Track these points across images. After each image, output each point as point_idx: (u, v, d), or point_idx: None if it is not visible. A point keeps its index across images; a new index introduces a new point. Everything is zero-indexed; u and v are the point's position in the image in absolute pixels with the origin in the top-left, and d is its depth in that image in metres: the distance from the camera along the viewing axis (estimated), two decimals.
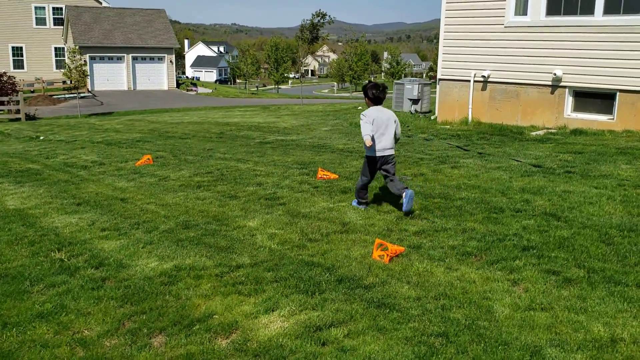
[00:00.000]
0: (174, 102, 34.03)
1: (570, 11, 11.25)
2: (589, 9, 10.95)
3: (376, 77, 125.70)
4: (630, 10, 10.49)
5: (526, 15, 11.76)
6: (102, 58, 44.71)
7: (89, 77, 38.06)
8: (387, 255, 4.56)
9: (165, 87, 46.35)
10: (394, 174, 5.88)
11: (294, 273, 4.30)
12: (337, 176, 7.64)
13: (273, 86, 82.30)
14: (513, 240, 4.89)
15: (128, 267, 4.70)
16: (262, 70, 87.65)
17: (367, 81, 6.02)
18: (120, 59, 45.22)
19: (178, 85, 48.78)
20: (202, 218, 6.01)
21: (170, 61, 46.75)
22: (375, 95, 5.87)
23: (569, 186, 6.72)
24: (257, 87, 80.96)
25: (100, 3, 48.19)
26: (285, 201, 6.49)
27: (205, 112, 23.04)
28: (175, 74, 49.78)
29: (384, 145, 5.78)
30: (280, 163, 8.88)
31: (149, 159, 9.68)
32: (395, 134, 5.91)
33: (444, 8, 12.95)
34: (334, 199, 6.48)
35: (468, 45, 12.65)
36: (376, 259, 4.58)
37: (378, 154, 5.78)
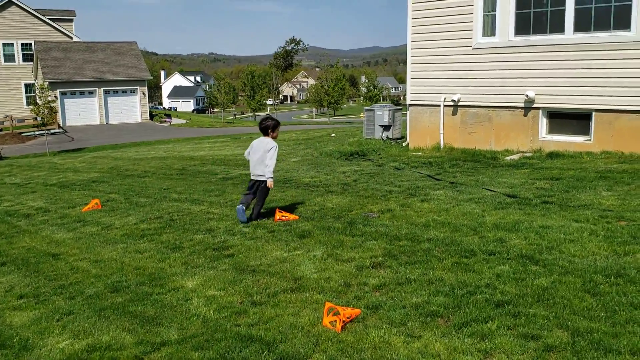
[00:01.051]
0: (146, 135, 33.25)
1: (540, 30, 10.85)
2: (559, 27, 10.55)
3: (355, 100, 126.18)
4: (601, 27, 10.10)
5: (494, 35, 11.34)
6: (73, 93, 43.90)
7: (58, 112, 37.25)
8: (340, 320, 3.89)
9: (139, 120, 45.57)
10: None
11: (225, 353, 3.60)
12: (296, 217, 6.98)
13: (250, 114, 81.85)
14: (485, 293, 4.24)
15: (33, 349, 3.95)
16: (240, 98, 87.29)
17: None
18: (91, 93, 44.44)
19: (152, 117, 48.03)
20: (135, 277, 5.29)
21: (143, 93, 46.05)
22: (260, 128, 7.06)
23: (547, 220, 6.12)
24: (234, 115, 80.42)
25: (71, 38, 47.55)
26: (234, 251, 5.81)
27: (174, 145, 22.32)
28: (148, 105, 49.05)
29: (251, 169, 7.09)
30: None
31: (97, 203, 8.95)
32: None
33: (410, 32, 12.51)
34: (289, 247, 5.81)
35: (436, 69, 12.19)
36: (327, 326, 3.90)
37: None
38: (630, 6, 9.71)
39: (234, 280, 4.95)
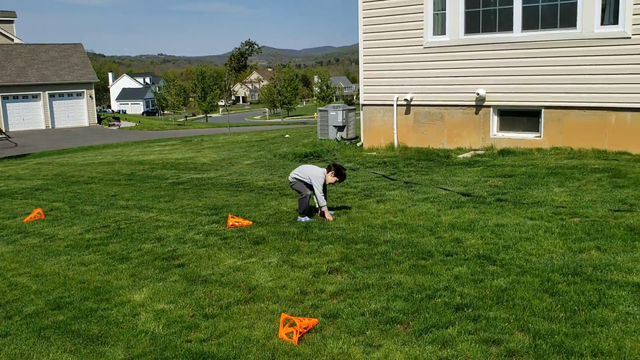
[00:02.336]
0: (94, 139, 32.24)
1: (489, 28, 10.95)
2: (507, 26, 10.67)
3: (308, 100, 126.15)
4: (548, 25, 10.27)
5: (445, 34, 11.39)
6: (15, 97, 42.18)
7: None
8: (297, 332, 3.72)
9: (86, 124, 44.19)
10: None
11: None
12: (250, 222, 6.77)
13: (202, 115, 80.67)
14: (444, 296, 4.16)
15: None
16: (191, 99, 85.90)
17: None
18: (35, 97, 42.82)
19: (100, 120, 46.66)
20: (79, 292, 4.98)
21: (90, 96, 44.70)
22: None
23: (502, 218, 6.12)
24: (185, 117, 79.04)
25: (12, 40, 45.68)
26: (185, 261, 5.56)
27: (123, 149, 21.65)
28: (96, 109, 47.65)
29: None
30: (189, 209, 7.92)
31: (39, 213, 8.50)
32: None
33: (361, 32, 12.44)
34: (243, 254, 5.60)
35: (388, 69, 12.16)
36: (283, 338, 3.73)
37: None
38: (575, 4, 9.90)
39: (185, 292, 4.72)
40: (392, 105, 12.15)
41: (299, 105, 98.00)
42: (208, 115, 77.21)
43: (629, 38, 9.44)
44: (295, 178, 6.85)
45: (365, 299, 4.24)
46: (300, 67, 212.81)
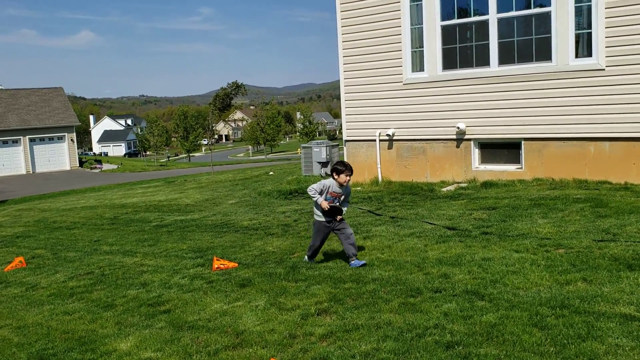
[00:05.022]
0: (75, 183, 31.98)
1: (466, 64, 11.19)
2: (484, 61, 10.91)
3: (292, 136, 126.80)
4: (524, 59, 10.51)
5: (423, 71, 11.61)
6: None
7: None
8: None
9: (67, 167, 43.90)
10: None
11: None
12: (236, 264, 6.71)
13: (185, 155, 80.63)
14: (434, 334, 4.13)
15: None
16: (173, 139, 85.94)
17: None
18: (16, 142, 42.56)
19: (81, 163, 46.39)
20: (64, 343, 4.87)
21: (72, 139, 44.53)
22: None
23: (488, 252, 6.14)
24: (167, 157, 78.91)
25: None
26: (171, 307, 5.47)
27: (105, 192, 21.48)
28: (77, 152, 47.43)
29: None
30: (174, 252, 7.85)
31: (21, 261, 8.36)
32: None
33: (342, 70, 12.65)
34: (229, 298, 5.53)
35: (370, 105, 12.33)
36: None
37: None
38: (550, 38, 10.18)
39: (172, 339, 4.63)
40: (375, 140, 12.27)
41: (282, 142, 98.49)
42: (191, 154, 77.21)
43: (603, 70, 9.69)
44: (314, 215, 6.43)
45: (355, 341, 4.19)
46: (283, 104, 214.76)
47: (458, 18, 11.16)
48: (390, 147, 12.24)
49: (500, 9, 10.61)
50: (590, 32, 9.81)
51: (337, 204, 6.27)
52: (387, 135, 12.09)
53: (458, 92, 11.18)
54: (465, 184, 10.97)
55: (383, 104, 12.16)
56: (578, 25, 10.01)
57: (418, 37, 11.67)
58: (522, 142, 10.64)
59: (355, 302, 5.02)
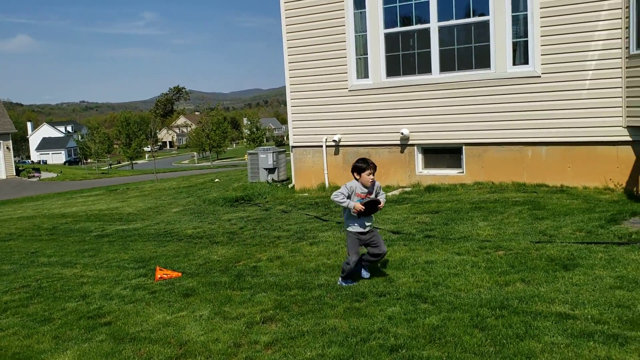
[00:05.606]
0: (12, 193, 30.69)
1: (409, 71, 11.40)
2: (426, 68, 11.15)
3: (238, 143, 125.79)
4: (464, 66, 10.80)
5: (368, 77, 11.76)
6: None
7: None
8: None
9: (3, 176, 42.09)
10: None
11: None
12: (179, 274, 6.58)
13: (128, 163, 78.73)
14: (379, 338, 4.16)
15: None
16: (115, 146, 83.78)
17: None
18: None
19: (18, 172, 44.58)
20: None
21: (7, 147, 42.75)
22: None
23: (431, 255, 6.26)
24: (109, 165, 76.86)
25: None
26: (112, 318, 5.31)
27: (44, 201, 20.70)
28: (14, 160, 45.56)
29: None
30: (115, 263, 7.63)
31: None
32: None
33: (288, 76, 12.66)
34: (172, 308, 5.41)
35: (316, 111, 12.39)
36: None
37: None
38: (488, 46, 10.50)
39: (112, 352, 4.49)
40: (322, 146, 12.32)
41: (228, 148, 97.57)
42: (134, 162, 75.43)
43: (539, 77, 10.07)
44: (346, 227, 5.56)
45: (300, 347, 4.18)
46: (229, 110, 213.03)
47: (401, 26, 11.37)
48: (336, 152, 12.32)
49: (441, 18, 10.88)
50: (527, 41, 10.18)
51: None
52: (334, 140, 12.16)
53: (401, 98, 11.38)
54: (409, 189, 11.16)
55: (329, 109, 12.24)
56: (515, 34, 10.37)
57: (362, 45, 11.83)
58: (464, 147, 10.92)
59: (301, 308, 5.00)
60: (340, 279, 5.59)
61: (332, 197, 5.43)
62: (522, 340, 3.86)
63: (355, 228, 5.47)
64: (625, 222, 6.78)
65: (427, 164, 11.54)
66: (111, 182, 34.08)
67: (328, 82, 12.16)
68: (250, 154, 15.01)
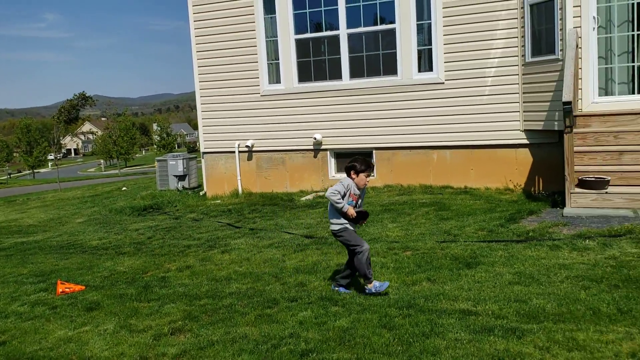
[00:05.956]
0: None
1: (321, 77, 11.51)
2: (337, 74, 11.30)
3: (148, 149, 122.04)
4: (373, 73, 11.04)
5: (280, 83, 11.76)
6: None
7: None
8: None
9: None
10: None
11: None
12: (83, 287, 6.25)
13: (29, 171, 74.28)
14: (290, 344, 4.15)
15: None
16: (15, 154, 78.78)
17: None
18: None
19: None
20: None
21: None
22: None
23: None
24: (8, 174, 72.15)
25: None
26: (7, 338, 4.95)
27: None
28: None
29: None
30: (12, 278, 7.14)
31: None
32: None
33: (198, 80, 12.43)
34: (75, 323, 5.13)
35: (228, 116, 12.23)
36: None
37: None
38: (395, 54, 10.80)
39: None
40: (234, 152, 12.18)
41: (138, 155, 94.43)
42: (35, 170, 71.26)
43: (443, 83, 10.48)
44: (333, 224, 5.14)
45: (209, 358, 4.08)
46: (138, 115, 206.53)
47: (311, 32, 11.47)
48: (250, 158, 12.22)
49: (350, 25, 11.08)
50: (431, 48, 10.57)
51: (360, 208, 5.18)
52: (247, 146, 12.06)
53: (314, 104, 11.47)
54: (323, 193, 11.26)
55: (241, 115, 12.13)
56: (420, 42, 10.75)
57: (274, 50, 11.82)
58: (374, 151, 11.17)
59: (211, 318, 4.90)
60: (364, 283, 5.09)
61: (328, 194, 4.97)
62: (428, 338, 3.98)
63: (347, 224, 5.09)
64: (523, 221, 7.18)
65: (340, 168, 11.68)
66: (10, 192, 31.99)
67: (239, 87, 12.05)
68: (159, 160, 14.58)
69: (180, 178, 14.08)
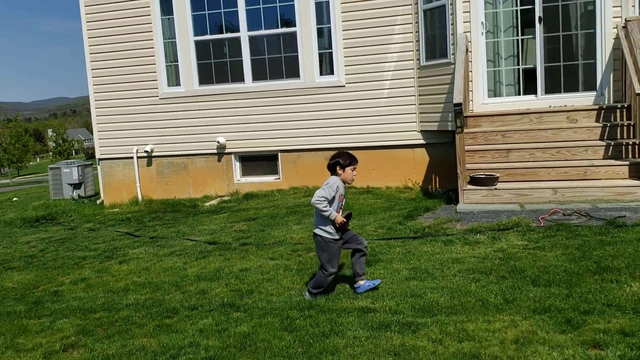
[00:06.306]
0: None
1: (223, 79, 11.37)
2: (239, 77, 11.21)
3: (43, 157, 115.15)
4: (276, 76, 11.06)
5: (180, 85, 11.49)
6: None
7: None
8: None
9: None
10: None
11: None
12: None
13: None
14: (189, 353, 4.04)
15: None
16: None
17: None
18: None
19: None
20: None
21: None
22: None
23: (246, 262, 6.28)
24: None
25: None
26: None
27: None
28: None
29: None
30: None
31: None
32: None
33: (92, 83, 11.88)
34: None
35: (126, 121, 11.78)
36: None
37: None
38: (297, 57, 10.87)
39: None
40: (133, 157, 11.75)
41: (32, 163, 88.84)
42: None
43: (344, 86, 10.67)
44: (322, 230, 4.78)
45: None
46: (31, 121, 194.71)
47: (211, 34, 11.30)
48: (149, 164, 11.84)
49: (251, 27, 11.03)
50: (332, 52, 10.74)
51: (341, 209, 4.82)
52: (146, 151, 11.67)
53: (216, 106, 11.30)
54: (228, 197, 11.12)
55: (140, 119, 11.72)
56: (322, 45, 10.89)
57: (173, 52, 11.53)
58: (279, 154, 11.18)
59: (107, 331, 4.68)
60: (307, 291, 4.91)
61: (313, 201, 4.62)
62: (328, 337, 4.02)
63: (334, 235, 4.74)
64: (420, 218, 7.44)
65: (245, 172, 11.60)
66: None
67: (137, 90, 11.64)
68: (52, 168, 13.79)
69: (76, 186, 13.38)
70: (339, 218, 4.65)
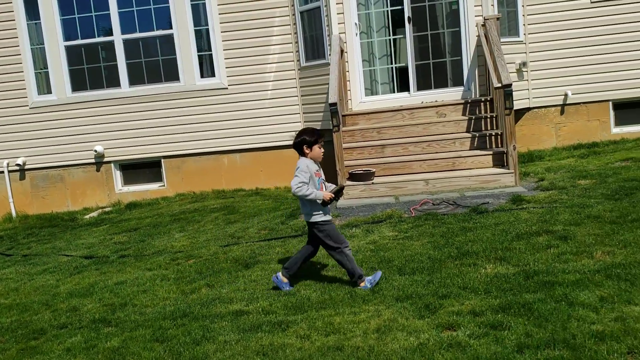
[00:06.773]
0: None
1: (98, 85, 10.90)
2: (115, 82, 10.79)
3: None
4: (154, 79, 10.75)
5: (52, 93, 10.88)
6: None
7: None
8: None
9: None
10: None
11: None
12: None
13: None
14: None
15: None
16: None
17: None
18: None
19: None
20: None
21: None
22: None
23: (123, 275, 6.07)
24: None
25: None
26: None
27: None
28: None
29: None
30: None
31: None
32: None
33: None
34: None
35: None
36: None
37: None
38: (175, 59, 10.65)
39: None
40: (3, 172, 10.98)
41: None
42: None
43: (227, 88, 10.60)
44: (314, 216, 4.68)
45: None
46: None
47: (83, 39, 10.80)
48: (22, 177, 11.13)
49: (125, 30, 10.65)
50: (212, 54, 10.62)
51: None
52: (18, 164, 10.95)
53: (92, 114, 10.82)
54: (109, 208, 10.68)
55: (9, 130, 10.98)
56: (201, 47, 10.74)
57: (42, 58, 10.90)
58: (162, 160, 10.90)
59: None
60: (355, 283, 4.65)
61: (294, 190, 4.52)
62: (199, 344, 3.99)
63: (325, 217, 4.66)
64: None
65: (128, 181, 11.20)
66: None
67: (4, 100, 10.89)
68: None
69: None
70: (326, 194, 4.55)
